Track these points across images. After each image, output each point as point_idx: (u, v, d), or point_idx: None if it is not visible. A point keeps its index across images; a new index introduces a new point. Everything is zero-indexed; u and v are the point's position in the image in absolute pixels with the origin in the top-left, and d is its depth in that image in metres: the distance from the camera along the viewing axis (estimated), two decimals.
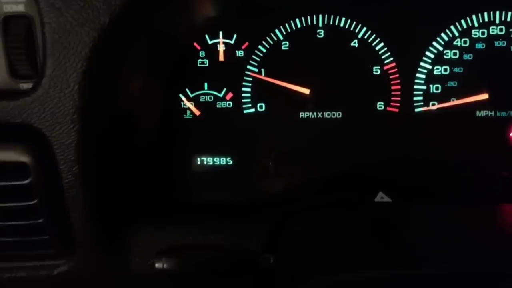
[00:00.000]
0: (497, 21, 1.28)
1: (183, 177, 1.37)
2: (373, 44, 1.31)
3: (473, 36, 1.29)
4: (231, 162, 1.36)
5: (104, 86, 0.98)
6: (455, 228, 1.03)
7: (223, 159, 1.36)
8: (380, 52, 1.31)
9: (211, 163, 1.36)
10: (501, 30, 1.28)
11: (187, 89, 1.35)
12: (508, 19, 1.28)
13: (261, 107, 1.35)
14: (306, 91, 1.31)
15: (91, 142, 0.97)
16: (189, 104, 1.34)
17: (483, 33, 1.29)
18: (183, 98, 1.34)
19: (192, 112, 1.35)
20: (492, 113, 1.29)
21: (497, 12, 1.28)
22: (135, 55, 1.13)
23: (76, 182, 0.96)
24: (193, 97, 1.35)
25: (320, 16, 1.31)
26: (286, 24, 1.32)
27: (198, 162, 1.37)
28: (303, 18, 1.32)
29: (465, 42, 1.29)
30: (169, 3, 0.99)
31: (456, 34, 1.29)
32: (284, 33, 1.33)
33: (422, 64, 1.30)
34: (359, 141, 1.32)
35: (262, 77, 1.33)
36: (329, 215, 1.12)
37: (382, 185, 1.21)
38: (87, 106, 0.92)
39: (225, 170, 1.36)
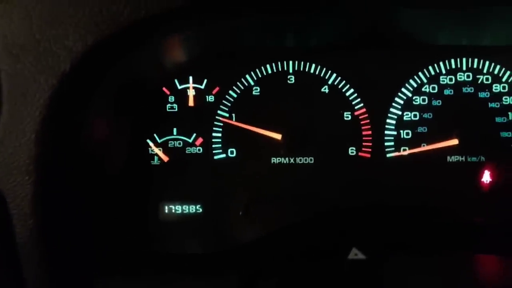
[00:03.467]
0: (464, 68, 1.31)
1: (150, 227, 1.31)
2: (343, 90, 1.31)
3: (441, 82, 1.31)
4: (200, 210, 1.31)
5: (64, 135, 0.93)
6: (431, 279, 1.00)
7: (192, 207, 1.31)
8: (350, 98, 1.31)
9: (180, 211, 1.31)
10: (468, 76, 1.30)
11: (155, 135, 1.31)
12: (475, 66, 1.30)
13: (232, 152, 1.32)
14: (278, 136, 1.30)
15: (48, 194, 0.91)
16: (157, 150, 1.30)
17: (450, 80, 1.31)
18: (151, 144, 1.31)
19: (160, 158, 1.31)
20: (463, 159, 1.29)
21: (464, 59, 1.30)
22: (99, 100, 1.09)
23: (31, 237, 0.89)
24: (162, 142, 1.31)
25: (291, 62, 1.32)
26: (257, 70, 1.32)
27: (166, 211, 1.31)
28: (273, 63, 1.32)
29: (433, 88, 1.31)
30: (132, 49, 0.96)
31: (425, 80, 1.31)
32: (255, 78, 1.32)
33: (392, 110, 1.31)
34: (331, 187, 1.30)
35: (233, 122, 1.31)
36: (302, 267, 1.07)
37: (356, 236, 1.18)
38: (45, 156, 0.87)
39: (195, 218, 1.31)
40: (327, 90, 1.31)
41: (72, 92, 0.89)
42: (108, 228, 1.18)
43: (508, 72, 1.29)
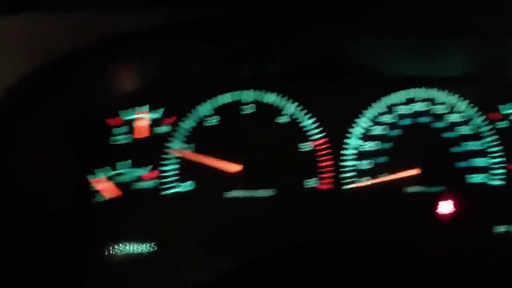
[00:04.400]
0: (421, 98, 1.31)
1: (97, 270, 1.20)
2: (302, 120, 1.28)
3: (399, 112, 1.30)
4: (153, 249, 1.23)
5: None
6: None
7: (144, 246, 1.23)
8: (309, 129, 1.28)
9: (131, 251, 1.22)
10: (425, 106, 1.31)
11: (102, 168, 1.23)
12: (431, 96, 1.31)
13: (187, 186, 1.25)
14: (236, 168, 1.25)
15: None
16: (106, 185, 1.22)
17: (408, 110, 1.30)
18: (100, 178, 1.22)
19: (107, 194, 1.22)
20: (422, 189, 1.28)
21: (421, 89, 1.31)
22: (37, 132, 1.01)
23: None
24: (110, 177, 1.23)
25: (249, 92, 1.28)
26: (214, 99, 1.27)
27: (117, 251, 1.22)
28: (231, 93, 1.28)
29: (392, 118, 1.30)
30: (67, 79, 0.89)
31: (383, 110, 1.30)
32: (213, 108, 1.28)
33: (351, 140, 1.29)
34: (292, 221, 1.25)
35: (188, 153, 1.25)
36: None
37: (315, 270, 1.14)
38: None
39: (147, 258, 1.22)
40: (285, 120, 1.28)
41: (4, 126, 0.81)
42: (52, 273, 1.09)
43: (464, 102, 1.30)
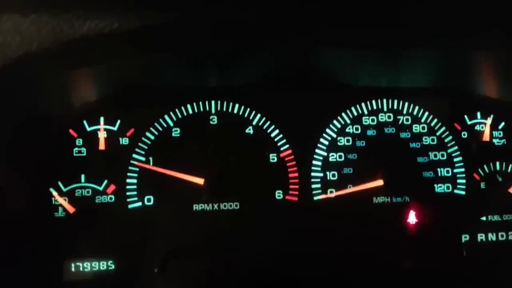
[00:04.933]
0: (385, 109, 1.32)
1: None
2: (268, 131, 1.26)
3: (364, 123, 1.30)
4: (113, 267, 1.16)
5: None
6: None
7: (103, 264, 1.16)
8: (275, 140, 1.26)
9: (89, 269, 1.15)
10: (389, 117, 1.31)
11: (60, 183, 1.16)
12: (395, 107, 1.32)
13: (149, 200, 1.20)
14: (200, 181, 1.20)
15: None
16: (61, 200, 1.15)
17: (373, 120, 1.31)
18: (55, 193, 1.15)
19: (65, 209, 1.15)
20: (388, 199, 1.28)
21: (384, 100, 1.32)
22: None
23: None
24: (67, 191, 1.16)
25: (213, 102, 1.25)
26: (177, 110, 1.24)
27: (73, 269, 1.15)
28: (194, 103, 1.24)
29: (356, 129, 1.30)
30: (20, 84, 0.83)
31: (348, 121, 1.30)
32: (175, 119, 1.23)
33: (317, 151, 1.27)
34: (258, 234, 1.22)
35: (150, 166, 1.20)
36: None
37: (283, 283, 1.10)
38: None
39: (106, 277, 1.15)
40: (251, 131, 1.26)
41: None
42: None
43: (427, 113, 1.32)
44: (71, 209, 1.15)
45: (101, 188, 1.18)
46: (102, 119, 1.20)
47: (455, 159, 1.30)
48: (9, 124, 0.99)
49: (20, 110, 0.99)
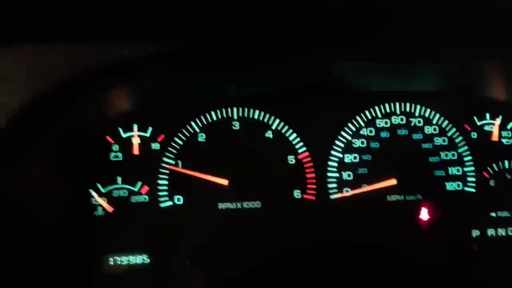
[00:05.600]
0: (398, 112, 1.39)
1: (95, 281, 1.26)
2: (287, 134, 1.35)
3: (377, 125, 1.38)
4: (148, 261, 1.28)
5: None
6: None
7: (139, 258, 1.28)
8: (293, 142, 1.35)
9: (126, 263, 1.27)
10: (402, 119, 1.39)
11: (98, 184, 1.29)
12: (407, 110, 1.39)
13: (178, 199, 1.31)
14: (224, 182, 1.31)
15: None
16: (101, 201, 1.27)
17: (386, 123, 1.38)
18: (94, 194, 1.28)
19: (104, 208, 1.28)
20: (401, 197, 1.35)
21: (397, 104, 1.39)
22: (39, 151, 1.07)
23: None
24: (105, 192, 1.29)
25: (235, 109, 1.35)
26: (202, 117, 1.34)
27: (112, 263, 1.27)
28: (218, 110, 1.35)
29: (370, 131, 1.38)
30: (72, 102, 0.95)
31: (362, 124, 1.38)
32: (200, 125, 1.34)
33: (333, 152, 1.36)
34: (278, 231, 1.31)
35: (179, 169, 1.31)
36: None
37: (303, 277, 1.19)
38: None
39: (142, 270, 1.27)
40: (271, 135, 1.35)
41: (8, 147, 0.87)
42: (51, 284, 1.13)
43: (438, 115, 1.38)
44: (109, 209, 1.27)
45: (136, 189, 1.30)
46: (135, 126, 1.32)
47: (465, 158, 1.36)
48: (52, 136, 1.11)
49: (61, 122, 1.11)
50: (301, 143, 1.35)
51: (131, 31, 0.82)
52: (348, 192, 1.34)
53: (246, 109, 1.35)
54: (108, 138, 1.30)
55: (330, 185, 1.35)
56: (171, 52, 0.83)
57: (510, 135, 1.38)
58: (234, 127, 1.35)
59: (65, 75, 0.87)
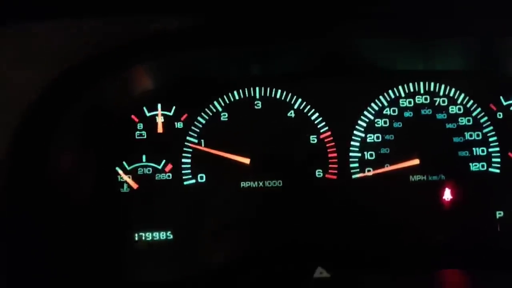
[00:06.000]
0: (422, 91, 1.37)
1: (121, 255, 1.29)
2: (309, 114, 1.35)
3: (401, 105, 1.37)
4: (171, 237, 1.31)
5: (29, 164, 0.93)
6: None
7: (163, 234, 1.31)
8: (315, 122, 1.35)
9: (150, 238, 1.31)
10: (426, 99, 1.37)
11: (124, 162, 1.32)
12: (432, 89, 1.37)
13: (201, 177, 1.33)
14: (246, 160, 1.32)
15: (16, 224, 0.90)
16: (126, 178, 1.31)
17: (410, 102, 1.37)
18: (120, 172, 1.31)
19: (129, 185, 1.31)
20: (424, 178, 1.34)
21: (421, 83, 1.37)
22: (66, 130, 1.10)
23: None
24: (131, 169, 1.32)
25: (257, 88, 1.36)
26: (224, 96, 1.35)
27: (137, 238, 1.31)
28: (240, 90, 1.35)
29: (394, 111, 1.36)
30: (99, 79, 0.98)
31: (385, 104, 1.36)
32: (223, 104, 1.35)
33: (355, 132, 1.35)
34: (300, 209, 1.32)
35: (202, 147, 1.33)
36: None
37: (323, 256, 1.20)
38: (11, 187, 0.87)
39: (166, 245, 1.30)
40: (293, 115, 1.35)
41: (37, 123, 0.90)
42: (78, 257, 1.17)
43: (463, 95, 1.36)
44: (134, 185, 1.30)
45: (160, 167, 1.32)
46: (159, 105, 1.33)
47: (490, 139, 1.34)
48: (78, 113, 1.14)
49: (87, 100, 1.14)
50: (323, 123, 1.35)
51: (154, 7, 0.83)
52: (370, 172, 1.34)
53: (268, 89, 1.35)
54: (133, 117, 1.33)
55: (352, 165, 1.34)
56: (193, 27, 0.84)
57: None
58: (256, 107, 1.35)
59: (91, 52, 0.89)
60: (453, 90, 1.36)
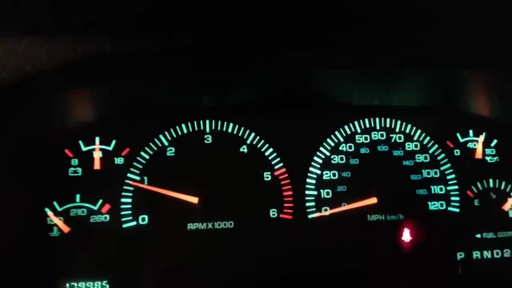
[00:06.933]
0: (378, 127, 1.33)
1: None
2: (262, 150, 1.27)
3: (357, 141, 1.31)
4: (107, 287, 1.16)
5: None
6: None
7: (98, 284, 1.15)
8: (270, 158, 1.27)
9: None
10: (382, 135, 1.33)
11: (55, 202, 1.17)
12: (388, 125, 1.33)
13: (143, 219, 1.20)
14: (194, 200, 1.21)
15: None
16: (56, 220, 1.16)
17: (366, 139, 1.32)
18: (50, 213, 1.16)
19: (60, 229, 1.16)
20: (383, 217, 1.28)
21: (377, 119, 1.33)
22: None
23: None
24: (62, 211, 1.17)
25: (208, 121, 1.26)
26: (171, 129, 1.25)
27: None
28: (189, 122, 1.26)
29: (350, 147, 1.31)
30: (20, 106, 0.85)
31: (341, 139, 1.31)
32: (170, 138, 1.25)
33: (311, 169, 1.28)
34: (253, 253, 1.22)
35: (145, 186, 1.21)
36: None
37: None
38: None
39: None
40: (245, 150, 1.27)
41: None
42: None
43: (419, 131, 1.33)
44: (66, 229, 1.16)
45: (96, 208, 1.18)
46: (97, 139, 1.21)
47: (448, 177, 1.31)
48: (8, 148, 1.00)
49: (15, 131, 1.00)
50: (278, 159, 1.27)
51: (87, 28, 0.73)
52: (327, 211, 1.26)
53: (219, 122, 1.27)
54: (67, 151, 1.20)
55: (308, 204, 1.26)
56: (134, 51, 0.74)
57: (494, 153, 1.33)
58: (206, 141, 1.26)
59: (14, 74, 0.76)
60: (409, 126, 1.33)
